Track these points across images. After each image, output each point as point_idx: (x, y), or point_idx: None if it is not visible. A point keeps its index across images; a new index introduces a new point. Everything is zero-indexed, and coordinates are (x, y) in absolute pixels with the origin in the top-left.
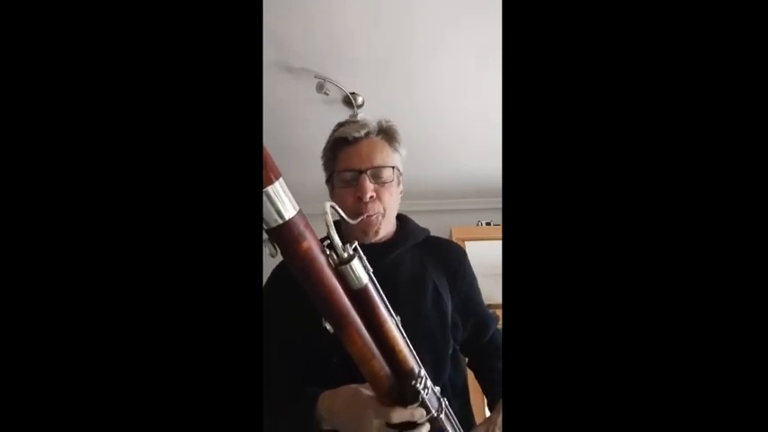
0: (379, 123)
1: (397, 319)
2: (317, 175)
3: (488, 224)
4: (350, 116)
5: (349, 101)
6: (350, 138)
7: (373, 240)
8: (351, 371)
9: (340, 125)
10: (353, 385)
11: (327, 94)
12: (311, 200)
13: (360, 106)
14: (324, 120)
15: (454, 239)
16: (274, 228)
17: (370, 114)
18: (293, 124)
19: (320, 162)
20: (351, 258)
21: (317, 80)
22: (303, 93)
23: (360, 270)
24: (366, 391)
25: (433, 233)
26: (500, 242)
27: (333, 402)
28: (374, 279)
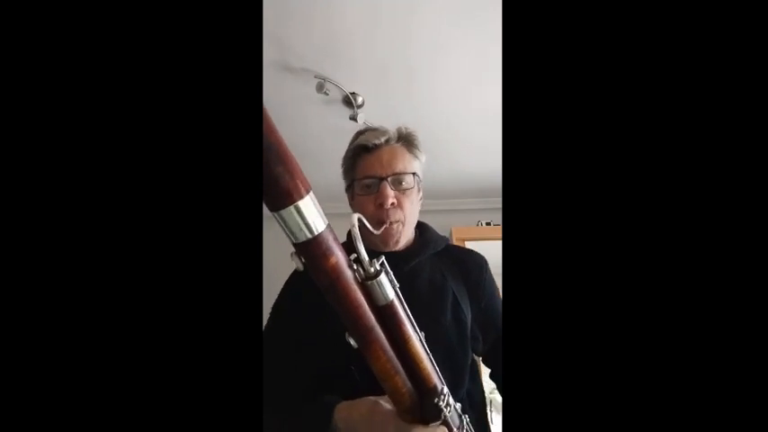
0: (399, 130)
1: (422, 334)
2: (316, 174)
3: (488, 224)
4: (350, 116)
5: (349, 101)
6: (370, 145)
7: (393, 249)
8: (370, 379)
9: (360, 133)
10: (372, 398)
11: (327, 94)
12: None
13: (360, 106)
14: (324, 120)
15: (454, 239)
16: (303, 242)
17: (369, 113)
18: (293, 124)
19: (319, 162)
20: (377, 274)
21: (316, 80)
22: (303, 93)
23: (386, 286)
24: (385, 404)
25: None
26: (500, 242)
27: (350, 414)
28: (400, 294)
